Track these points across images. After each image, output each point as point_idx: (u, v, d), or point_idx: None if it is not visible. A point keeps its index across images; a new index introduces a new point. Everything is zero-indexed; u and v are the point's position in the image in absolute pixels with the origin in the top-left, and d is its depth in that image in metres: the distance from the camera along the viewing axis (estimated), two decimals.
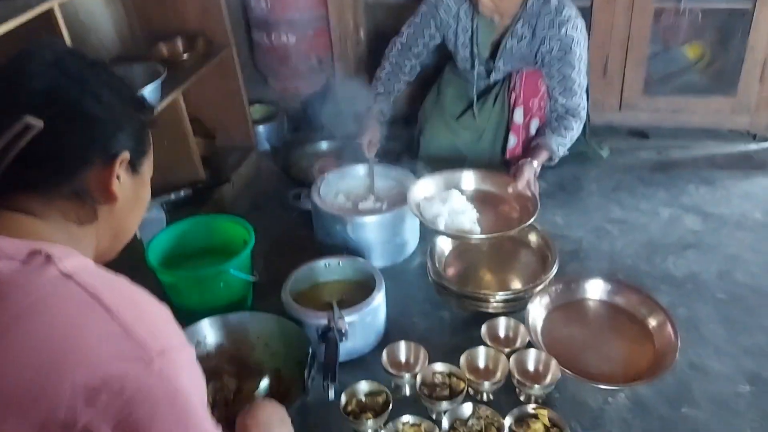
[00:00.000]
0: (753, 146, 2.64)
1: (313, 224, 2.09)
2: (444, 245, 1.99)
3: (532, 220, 1.86)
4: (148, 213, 1.96)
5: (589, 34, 2.43)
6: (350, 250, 1.95)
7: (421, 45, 2.29)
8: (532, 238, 2.00)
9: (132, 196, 0.90)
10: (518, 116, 2.22)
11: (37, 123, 0.75)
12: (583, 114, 2.16)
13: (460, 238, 1.92)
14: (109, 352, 0.69)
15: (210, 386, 1.52)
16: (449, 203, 1.93)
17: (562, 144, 2.14)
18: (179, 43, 2.32)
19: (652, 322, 1.69)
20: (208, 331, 1.64)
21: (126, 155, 0.84)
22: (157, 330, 0.74)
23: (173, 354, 0.73)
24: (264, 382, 1.55)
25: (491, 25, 2.14)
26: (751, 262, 1.97)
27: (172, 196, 2.17)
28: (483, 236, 1.87)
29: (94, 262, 0.82)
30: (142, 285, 0.79)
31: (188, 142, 2.18)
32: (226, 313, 1.69)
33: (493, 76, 2.25)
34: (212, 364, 1.60)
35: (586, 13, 2.53)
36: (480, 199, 2.03)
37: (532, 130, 2.26)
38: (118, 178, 0.84)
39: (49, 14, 1.52)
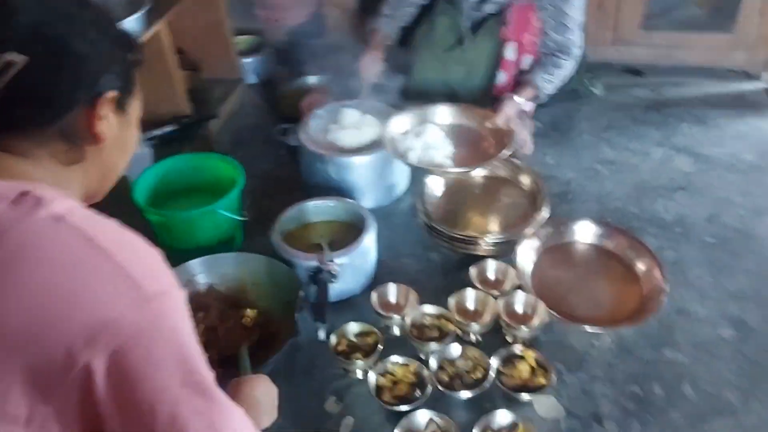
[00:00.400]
0: (748, 85, 2.61)
1: (299, 162, 2.06)
2: (434, 187, 1.97)
3: (502, 153, 1.87)
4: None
5: None
6: (338, 190, 1.93)
7: None
8: (524, 179, 1.98)
9: (119, 137, 0.88)
10: (510, 52, 2.16)
11: (20, 59, 0.73)
12: (577, 53, 2.09)
13: (432, 172, 1.93)
14: (108, 293, 0.69)
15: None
16: (423, 137, 1.93)
17: (549, 81, 2.08)
18: None
19: (640, 266, 1.70)
20: (198, 270, 1.64)
21: (112, 94, 0.83)
22: (153, 272, 0.74)
23: (169, 295, 0.74)
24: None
25: None
26: (740, 206, 1.98)
27: (158, 132, 2.12)
28: (453, 170, 1.90)
29: (83, 203, 0.81)
30: (128, 224, 0.79)
31: (173, 76, 2.12)
32: (215, 252, 1.69)
33: (486, 8, 2.17)
34: (201, 301, 1.61)
35: None
36: (458, 134, 2.02)
37: (525, 67, 2.20)
38: (104, 118, 0.83)
39: None
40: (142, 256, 0.75)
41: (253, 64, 2.72)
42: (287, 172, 2.16)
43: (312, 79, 2.60)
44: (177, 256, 1.60)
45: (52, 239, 0.71)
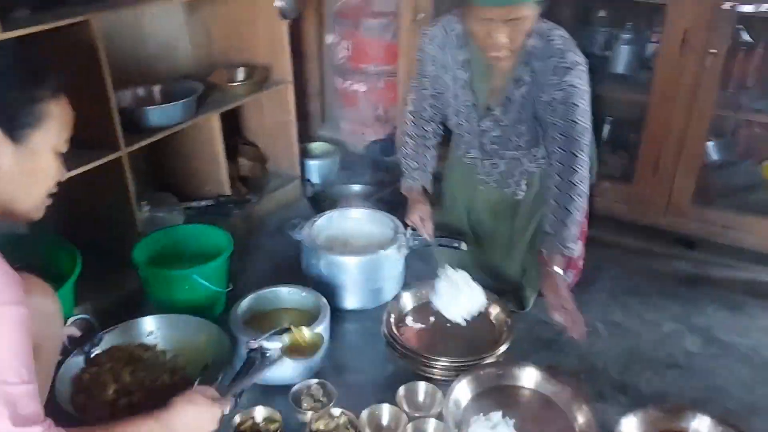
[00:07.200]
0: None
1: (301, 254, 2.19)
2: (407, 301, 2.01)
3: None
4: (170, 215, 2.14)
5: (642, 130, 2.45)
6: (327, 285, 2.02)
7: (429, 108, 2.09)
8: (493, 310, 1.98)
9: (15, 169, 0.98)
10: None
11: None
12: (586, 189, 1.86)
13: None
14: None
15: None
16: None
17: (572, 238, 1.87)
18: (238, 72, 2.55)
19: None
20: (150, 327, 1.81)
21: None
22: None
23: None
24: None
25: (487, 72, 1.91)
26: (733, 399, 1.78)
27: (194, 204, 2.39)
28: None
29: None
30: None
31: (218, 161, 2.39)
32: (190, 314, 1.83)
33: (500, 126, 1.99)
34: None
35: (644, 107, 2.46)
36: None
37: None
38: None
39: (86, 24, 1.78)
40: None
41: (317, 167, 2.96)
42: (293, 263, 2.29)
43: (356, 187, 2.78)
44: (163, 311, 1.85)
45: None
